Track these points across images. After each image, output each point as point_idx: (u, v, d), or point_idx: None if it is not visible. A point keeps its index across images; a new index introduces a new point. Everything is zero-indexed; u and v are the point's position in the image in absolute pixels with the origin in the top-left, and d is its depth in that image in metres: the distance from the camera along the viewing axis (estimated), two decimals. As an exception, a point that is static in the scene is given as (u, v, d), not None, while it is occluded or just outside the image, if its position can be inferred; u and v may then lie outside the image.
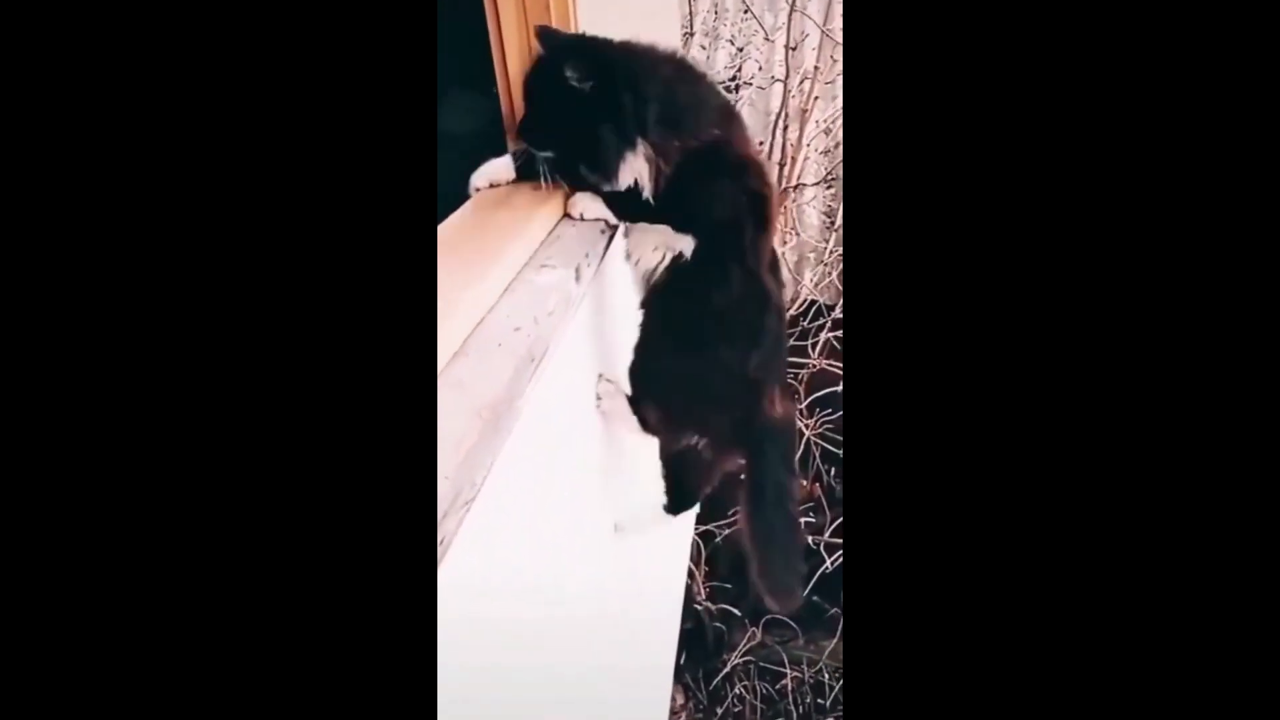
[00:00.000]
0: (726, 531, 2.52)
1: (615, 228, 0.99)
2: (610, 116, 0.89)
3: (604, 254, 0.96)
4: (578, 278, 0.83)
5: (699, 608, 2.54)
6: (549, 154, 0.94)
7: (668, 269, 0.98)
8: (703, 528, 2.44)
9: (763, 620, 2.59)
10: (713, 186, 0.95)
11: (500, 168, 0.99)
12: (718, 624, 2.65)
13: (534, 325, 0.70)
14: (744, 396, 1.01)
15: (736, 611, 2.54)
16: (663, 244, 0.98)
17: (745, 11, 2.92)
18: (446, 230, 0.85)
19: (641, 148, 0.91)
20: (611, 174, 0.92)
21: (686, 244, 0.96)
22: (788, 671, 2.58)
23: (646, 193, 0.94)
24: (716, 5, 3.09)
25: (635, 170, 0.92)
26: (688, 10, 2.81)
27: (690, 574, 2.41)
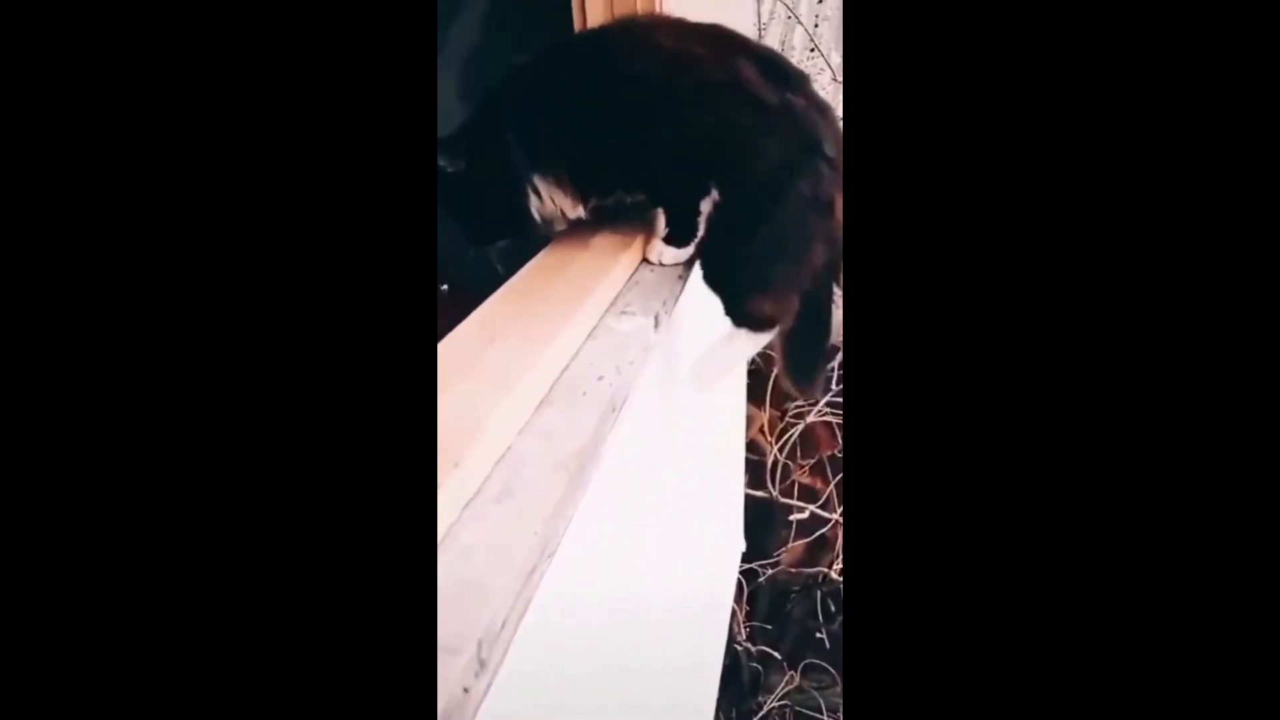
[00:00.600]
0: (770, 572, 2.49)
1: (691, 267, 0.99)
2: (495, 180, 0.91)
3: (678, 298, 0.97)
4: (656, 325, 0.84)
5: (738, 647, 2.50)
6: (502, 243, 0.98)
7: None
8: (746, 566, 2.41)
9: (801, 665, 2.53)
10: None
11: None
12: (755, 664, 2.60)
13: (616, 374, 0.71)
14: (823, 221, 0.91)
15: (776, 654, 2.49)
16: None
17: (812, 50, 2.93)
18: (528, 274, 0.87)
19: (541, 187, 0.92)
20: (527, 229, 0.94)
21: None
22: (824, 718, 2.51)
23: (578, 214, 0.95)
24: (783, 42, 3.11)
25: (551, 210, 0.94)
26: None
27: (731, 612, 2.38)
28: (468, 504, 0.53)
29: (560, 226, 0.98)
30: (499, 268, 0.98)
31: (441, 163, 0.89)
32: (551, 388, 0.68)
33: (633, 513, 1.15)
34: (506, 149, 0.91)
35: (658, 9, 1.13)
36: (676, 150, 0.90)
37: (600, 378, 0.70)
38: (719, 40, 0.94)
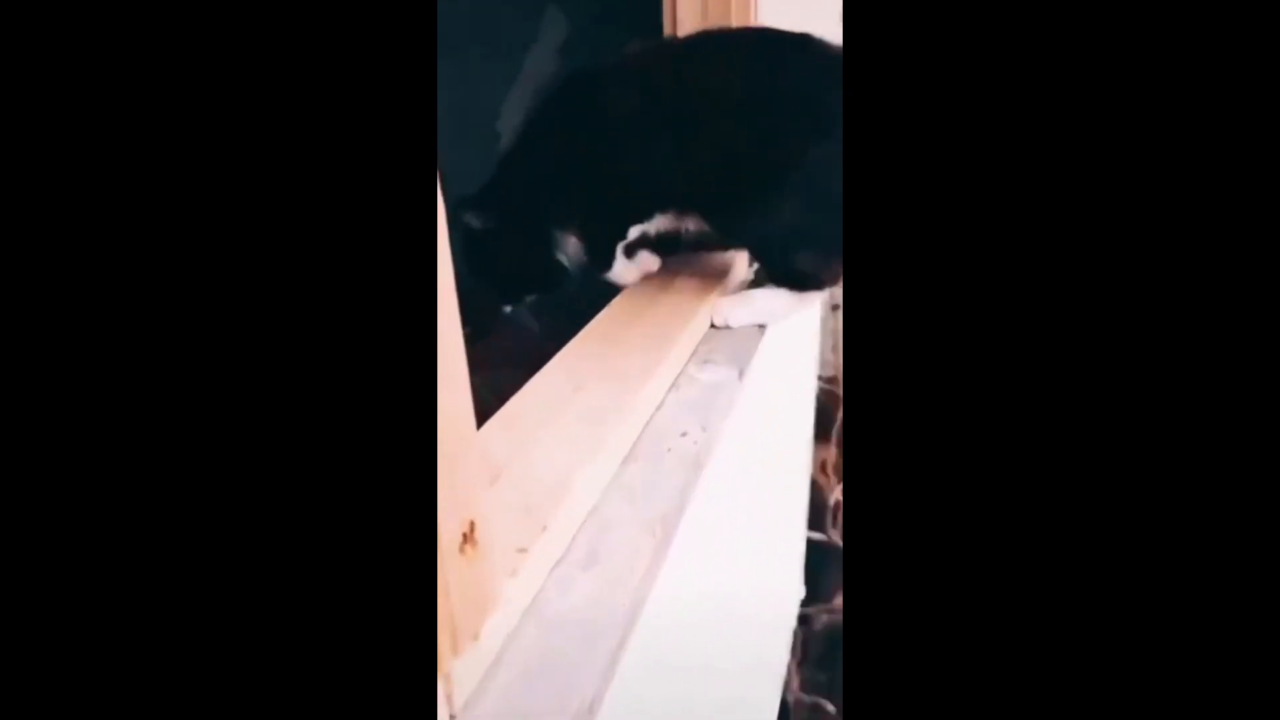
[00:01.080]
0: (826, 618, 2.41)
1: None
2: (520, 234, 0.91)
3: (759, 348, 0.94)
4: (741, 375, 0.81)
5: (789, 696, 2.42)
6: (532, 297, 0.98)
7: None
8: (803, 610, 2.34)
9: None
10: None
11: (646, 258, 1.00)
12: (805, 714, 2.51)
13: (701, 433, 0.69)
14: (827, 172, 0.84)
15: (828, 705, 2.40)
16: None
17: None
18: (610, 316, 0.86)
19: (558, 235, 0.92)
20: (553, 282, 0.95)
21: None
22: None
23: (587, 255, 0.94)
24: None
25: (576, 257, 0.94)
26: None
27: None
28: (555, 566, 0.52)
29: (636, 278, 0.97)
30: (535, 326, 1.01)
31: (474, 223, 0.90)
32: (635, 442, 0.66)
33: (699, 553, 1.12)
34: (527, 202, 0.91)
35: (752, 20, 1.11)
36: (689, 170, 0.87)
37: (684, 434, 0.68)
38: (704, 47, 0.90)
